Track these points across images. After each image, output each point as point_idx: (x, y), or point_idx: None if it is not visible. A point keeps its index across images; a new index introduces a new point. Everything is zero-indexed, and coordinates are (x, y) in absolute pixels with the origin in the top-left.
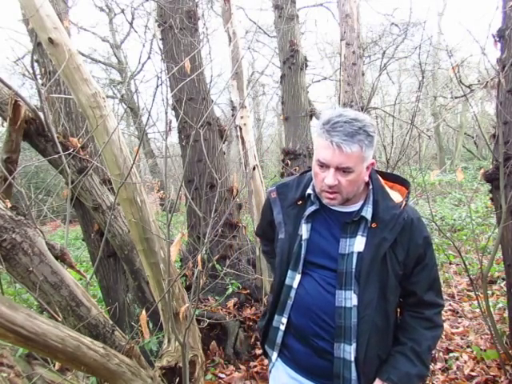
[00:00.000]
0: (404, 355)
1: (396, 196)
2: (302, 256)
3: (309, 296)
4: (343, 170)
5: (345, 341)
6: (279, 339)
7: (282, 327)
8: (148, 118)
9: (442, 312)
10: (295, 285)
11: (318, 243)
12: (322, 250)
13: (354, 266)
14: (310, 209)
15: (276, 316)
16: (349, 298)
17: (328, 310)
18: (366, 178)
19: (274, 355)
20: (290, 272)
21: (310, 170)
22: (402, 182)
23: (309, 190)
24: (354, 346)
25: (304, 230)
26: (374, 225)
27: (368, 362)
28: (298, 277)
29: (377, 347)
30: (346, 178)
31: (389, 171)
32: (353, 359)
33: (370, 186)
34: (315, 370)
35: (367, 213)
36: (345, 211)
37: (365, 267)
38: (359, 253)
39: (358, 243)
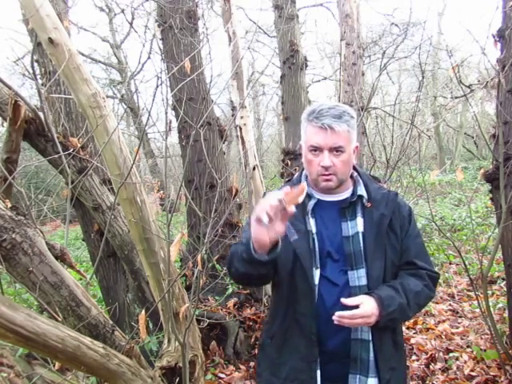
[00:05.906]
0: (391, 287)
1: None
2: (317, 250)
3: (326, 294)
4: (336, 150)
5: None
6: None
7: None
8: (148, 118)
9: (443, 312)
10: (316, 281)
11: (326, 234)
12: (330, 240)
13: (361, 246)
14: (311, 203)
15: None
16: (362, 276)
17: (343, 295)
18: (354, 161)
19: (318, 374)
20: (313, 270)
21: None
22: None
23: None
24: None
25: (312, 225)
26: (368, 204)
27: (383, 341)
28: (317, 272)
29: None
30: (339, 159)
31: (389, 171)
32: (370, 338)
33: (355, 174)
34: (327, 375)
35: (362, 192)
36: (339, 199)
37: (370, 245)
38: (363, 233)
39: (360, 224)
